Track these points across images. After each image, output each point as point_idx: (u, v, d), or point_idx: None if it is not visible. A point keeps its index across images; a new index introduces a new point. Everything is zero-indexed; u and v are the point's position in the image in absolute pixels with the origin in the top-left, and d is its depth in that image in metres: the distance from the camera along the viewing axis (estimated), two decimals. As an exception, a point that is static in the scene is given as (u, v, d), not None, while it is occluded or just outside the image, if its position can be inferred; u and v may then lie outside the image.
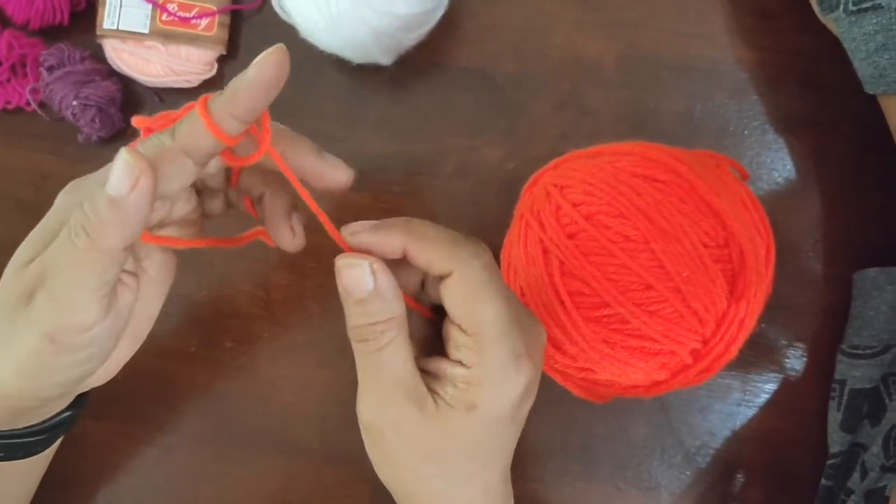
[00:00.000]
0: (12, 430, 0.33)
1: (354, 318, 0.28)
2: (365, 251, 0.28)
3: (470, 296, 0.27)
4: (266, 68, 0.26)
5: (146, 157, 0.25)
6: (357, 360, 0.29)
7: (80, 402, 0.36)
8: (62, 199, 0.30)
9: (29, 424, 0.33)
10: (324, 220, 0.29)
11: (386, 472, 0.31)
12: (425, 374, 0.29)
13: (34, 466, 0.38)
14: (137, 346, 0.34)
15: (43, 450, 0.36)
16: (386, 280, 0.27)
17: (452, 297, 0.28)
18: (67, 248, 0.26)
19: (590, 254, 0.33)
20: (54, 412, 0.34)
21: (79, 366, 0.29)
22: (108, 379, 0.34)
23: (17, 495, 0.39)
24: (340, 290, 0.28)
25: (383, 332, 0.28)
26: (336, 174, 0.31)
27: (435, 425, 0.28)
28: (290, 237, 0.32)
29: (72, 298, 0.27)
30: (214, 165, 0.31)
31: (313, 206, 0.29)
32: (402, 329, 0.28)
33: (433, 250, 0.28)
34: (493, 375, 0.27)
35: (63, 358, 0.28)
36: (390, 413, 0.28)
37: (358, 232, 0.28)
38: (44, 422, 0.34)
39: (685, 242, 0.32)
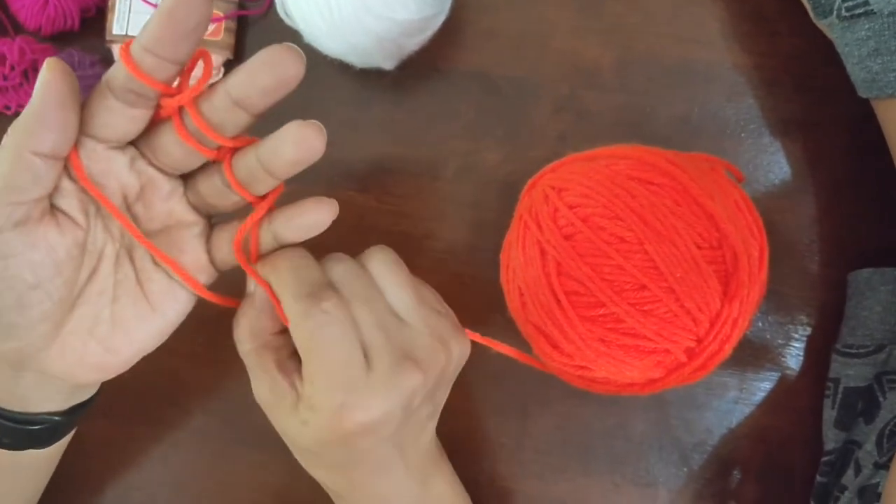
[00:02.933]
0: (2, 409, 0.33)
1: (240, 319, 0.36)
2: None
3: (303, 349, 0.32)
4: (177, 3, 0.27)
5: (67, 69, 0.27)
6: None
7: (76, 410, 0.36)
8: None
9: (21, 410, 0.34)
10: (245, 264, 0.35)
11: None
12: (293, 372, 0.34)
13: (38, 465, 0.39)
14: (111, 365, 0.34)
15: (38, 446, 0.36)
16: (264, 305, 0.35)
17: (294, 339, 0.33)
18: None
19: (585, 255, 0.34)
20: (40, 402, 0.34)
21: (7, 294, 0.29)
22: (72, 376, 0.33)
23: (21, 495, 0.40)
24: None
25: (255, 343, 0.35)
26: (309, 142, 0.31)
27: (291, 430, 0.35)
28: (319, 206, 0.35)
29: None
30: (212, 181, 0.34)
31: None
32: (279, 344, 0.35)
33: (281, 300, 0.33)
34: (320, 419, 0.32)
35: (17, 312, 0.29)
36: (274, 413, 0.36)
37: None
38: (36, 413, 0.34)
39: (679, 244, 0.33)
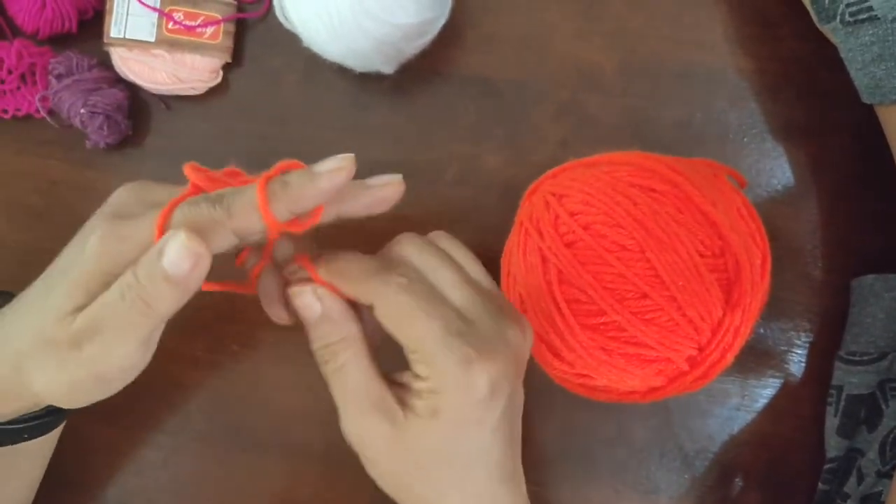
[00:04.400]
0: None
1: (312, 342, 0.30)
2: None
3: (395, 321, 0.29)
4: (335, 179, 0.28)
5: (200, 234, 0.27)
6: (327, 379, 0.31)
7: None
8: (118, 197, 0.32)
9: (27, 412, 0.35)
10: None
11: (380, 483, 0.32)
12: (397, 386, 0.30)
13: (41, 450, 0.40)
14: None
15: (29, 437, 0.37)
16: (331, 304, 0.30)
17: (384, 323, 0.29)
18: (121, 310, 0.28)
19: (587, 262, 0.34)
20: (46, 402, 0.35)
21: (109, 391, 0.31)
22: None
23: (25, 479, 0.41)
24: (299, 315, 0.30)
25: (337, 353, 0.30)
26: (385, 191, 0.32)
27: (406, 435, 0.29)
28: (281, 314, 0.32)
29: (123, 349, 0.29)
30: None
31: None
32: (358, 346, 0.30)
33: (352, 287, 0.30)
34: (448, 383, 0.29)
35: (101, 387, 0.30)
36: (362, 426, 0.30)
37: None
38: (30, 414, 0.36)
39: (681, 252, 0.33)
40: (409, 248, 0.32)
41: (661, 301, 0.33)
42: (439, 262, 0.31)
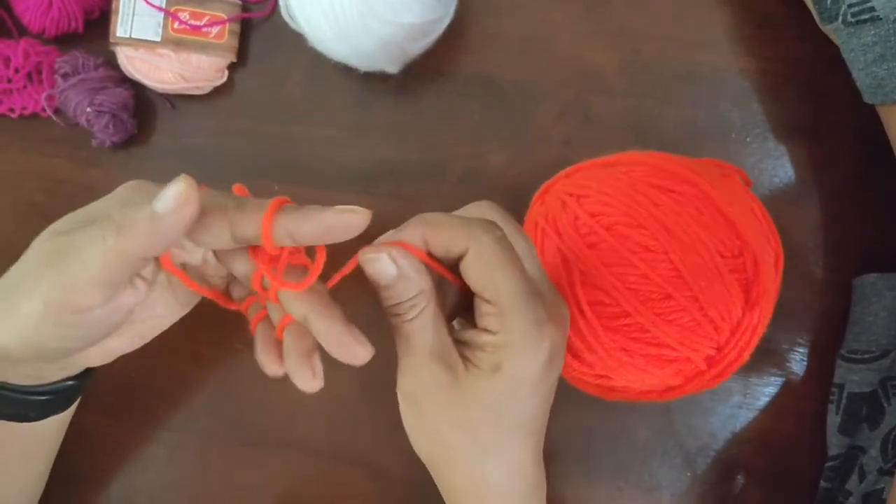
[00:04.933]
0: (13, 384, 0.35)
1: (385, 300, 0.30)
2: None
3: (486, 267, 0.29)
4: (342, 223, 0.28)
5: (199, 197, 0.28)
6: (394, 333, 0.31)
7: (85, 375, 0.38)
8: (121, 191, 0.32)
9: (38, 384, 0.36)
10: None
11: (420, 444, 0.32)
12: (460, 343, 0.31)
13: (46, 436, 0.40)
14: (141, 345, 0.36)
15: (51, 413, 0.38)
16: (406, 262, 0.30)
17: (471, 271, 0.29)
18: (95, 237, 0.28)
19: (610, 264, 0.34)
20: (53, 379, 0.36)
21: (65, 340, 0.31)
22: (104, 362, 0.35)
23: (32, 465, 0.41)
24: (369, 278, 0.30)
25: (413, 306, 0.30)
26: (354, 350, 0.30)
27: (463, 388, 0.30)
28: (309, 378, 0.32)
29: (77, 281, 0.28)
30: (247, 267, 0.32)
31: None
32: (431, 300, 0.30)
33: (448, 234, 0.29)
34: (517, 339, 0.29)
35: (50, 327, 0.30)
36: (423, 378, 0.30)
37: (379, 241, 0.31)
38: (47, 384, 0.36)
39: (703, 252, 0.33)
40: (492, 212, 0.32)
41: (683, 302, 0.33)
42: (517, 231, 0.32)
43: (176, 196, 0.27)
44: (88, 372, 0.38)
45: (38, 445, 0.40)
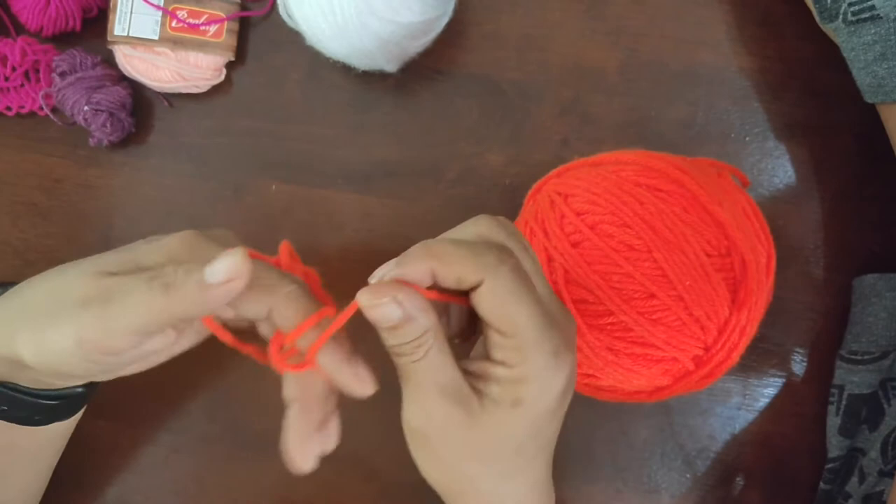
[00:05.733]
0: (22, 386, 0.35)
1: (389, 340, 0.29)
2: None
3: (503, 301, 0.28)
4: (349, 381, 0.30)
5: (250, 270, 0.28)
6: (398, 371, 0.30)
7: (93, 383, 0.38)
8: (174, 244, 0.32)
9: (46, 389, 0.36)
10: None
11: (433, 475, 0.31)
12: (469, 374, 0.30)
13: (50, 440, 0.40)
14: (152, 366, 0.36)
15: (57, 419, 0.38)
16: (412, 303, 0.28)
17: (487, 304, 0.28)
18: (142, 290, 0.29)
19: (594, 262, 0.34)
20: (61, 385, 0.36)
21: (87, 372, 0.32)
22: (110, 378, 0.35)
23: (35, 469, 0.41)
24: (370, 320, 0.28)
25: (419, 346, 0.28)
26: (358, 386, 0.31)
27: (481, 424, 0.29)
28: (357, 383, 0.31)
29: (117, 327, 0.29)
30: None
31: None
32: (437, 337, 0.29)
33: (459, 267, 0.28)
34: (538, 373, 0.28)
35: (76, 361, 0.30)
36: (435, 417, 0.29)
37: (379, 275, 0.29)
38: (55, 390, 0.36)
39: (688, 252, 0.33)
40: (495, 230, 0.30)
41: (668, 301, 0.33)
42: (524, 249, 0.30)
43: (227, 270, 0.28)
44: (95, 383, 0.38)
45: (41, 450, 0.40)
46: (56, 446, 0.41)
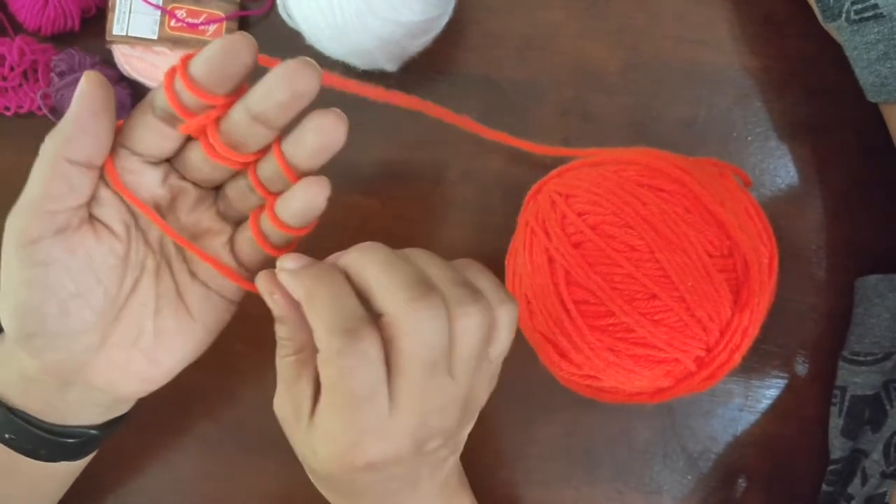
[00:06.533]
0: (41, 420, 0.34)
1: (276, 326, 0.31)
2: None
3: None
4: (229, 43, 0.28)
5: (103, 82, 0.28)
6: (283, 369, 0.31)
7: (112, 425, 0.38)
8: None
9: (59, 423, 0.35)
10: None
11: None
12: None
13: (53, 475, 0.39)
14: (155, 376, 0.35)
15: (63, 458, 0.37)
16: (287, 310, 0.30)
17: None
18: (37, 160, 0.29)
19: (595, 263, 0.34)
20: (74, 421, 0.35)
21: (30, 285, 0.29)
22: (118, 388, 0.34)
23: (37, 501, 0.40)
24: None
25: (284, 347, 0.30)
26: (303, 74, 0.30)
27: (303, 434, 0.31)
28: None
29: (21, 207, 0.29)
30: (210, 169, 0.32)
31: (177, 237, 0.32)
32: (300, 351, 0.30)
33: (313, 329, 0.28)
34: (327, 425, 0.29)
35: (14, 271, 0.29)
36: (286, 412, 0.31)
37: (284, 258, 0.30)
38: (74, 427, 0.35)
39: (690, 252, 0.33)
40: (477, 274, 0.31)
41: (670, 302, 0.33)
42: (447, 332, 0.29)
43: (78, 88, 0.28)
44: (111, 425, 0.38)
45: (46, 482, 0.39)
46: (59, 482, 0.40)
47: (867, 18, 0.36)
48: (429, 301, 0.27)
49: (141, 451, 0.47)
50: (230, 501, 0.47)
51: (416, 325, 0.27)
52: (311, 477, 0.33)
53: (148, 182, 0.31)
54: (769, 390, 0.45)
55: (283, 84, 0.29)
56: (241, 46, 0.28)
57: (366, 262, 0.28)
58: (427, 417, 0.29)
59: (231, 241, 0.34)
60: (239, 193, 0.33)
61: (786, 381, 0.44)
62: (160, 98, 0.29)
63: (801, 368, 0.44)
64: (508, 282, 0.39)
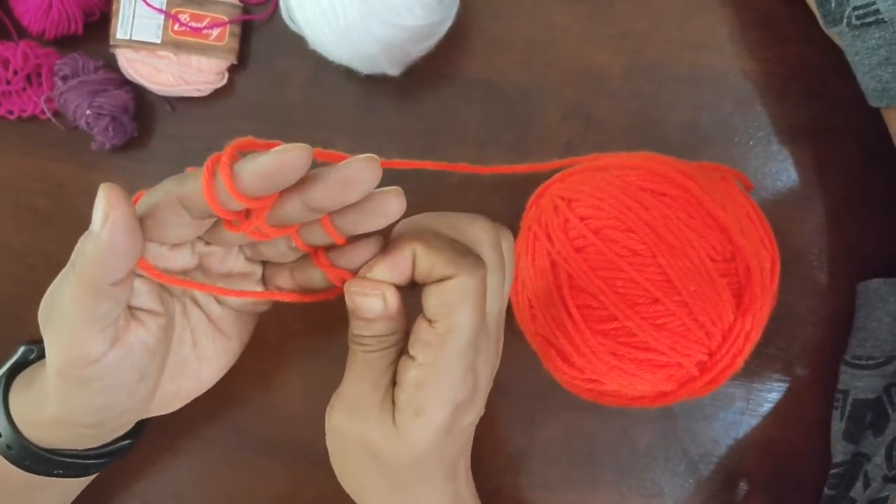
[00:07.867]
0: (73, 450, 0.36)
1: (359, 329, 0.30)
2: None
3: (457, 300, 0.28)
4: (284, 160, 0.26)
5: (124, 194, 0.26)
6: (350, 358, 0.31)
7: (139, 430, 0.39)
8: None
9: (88, 447, 0.36)
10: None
11: (338, 469, 0.34)
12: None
13: (76, 483, 0.40)
14: (202, 389, 0.36)
15: (97, 472, 0.39)
16: (396, 304, 0.29)
17: (442, 297, 0.28)
18: (65, 283, 0.28)
19: (598, 268, 0.34)
20: (111, 437, 0.36)
21: (94, 395, 0.31)
22: (166, 411, 0.36)
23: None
24: (349, 307, 0.30)
25: (381, 342, 0.30)
26: (352, 171, 0.29)
27: (389, 432, 0.30)
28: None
29: (70, 333, 0.28)
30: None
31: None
32: (401, 343, 0.30)
33: (438, 257, 0.28)
34: (441, 376, 0.29)
35: (75, 389, 0.30)
36: (360, 409, 0.30)
37: (373, 266, 0.30)
38: (102, 446, 0.37)
39: (692, 257, 0.33)
40: (485, 236, 0.30)
41: (672, 306, 0.33)
42: (500, 266, 0.31)
43: (98, 208, 0.26)
44: (140, 428, 0.39)
45: (78, 486, 0.41)
46: (62, 493, 0.41)
47: (868, 24, 0.36)
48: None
49: (140, 452, 0.47)
50: (229, 503, 0.47)
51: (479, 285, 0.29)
52: (380, 468, 0.32)
53: (177, 258, 0.31)
54: (771, 394, 0.45)
55: (351, 188, 0.28)
56: (299, 162, 0.26)
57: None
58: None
59: (264, 276, 0.35)
60: (271, 247, 0.33)
61: (787, 385, 0.45)
62: (197, 199, 0.27)
63: (803, 372, 0.45)
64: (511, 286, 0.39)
